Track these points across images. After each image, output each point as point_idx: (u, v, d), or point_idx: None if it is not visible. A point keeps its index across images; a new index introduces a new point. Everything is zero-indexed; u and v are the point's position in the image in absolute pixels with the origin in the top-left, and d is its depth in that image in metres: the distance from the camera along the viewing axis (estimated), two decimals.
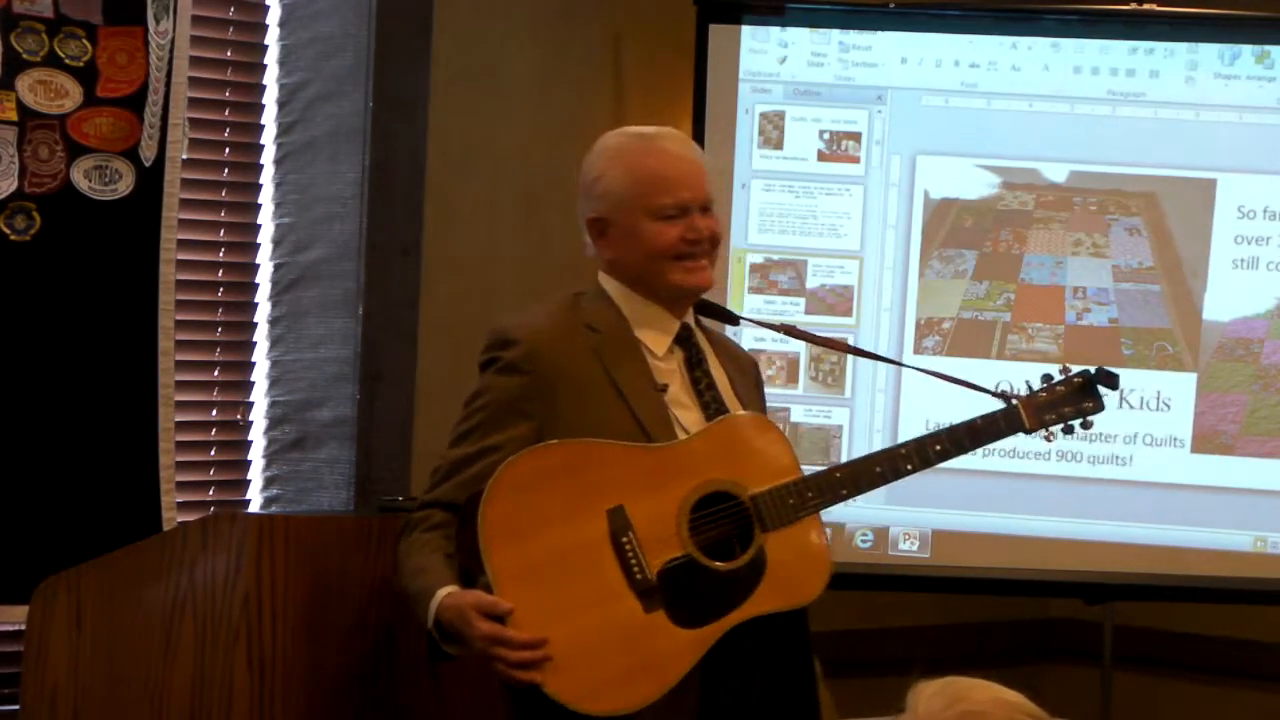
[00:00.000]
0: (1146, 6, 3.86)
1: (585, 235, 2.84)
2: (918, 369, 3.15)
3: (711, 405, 2.79)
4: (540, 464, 2.67)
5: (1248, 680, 4.27)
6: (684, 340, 2.83)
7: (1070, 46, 3.82)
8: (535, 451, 2.69)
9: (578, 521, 2.65)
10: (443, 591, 2.64)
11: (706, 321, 2.95)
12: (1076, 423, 2.95)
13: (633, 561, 2.63)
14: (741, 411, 2.81)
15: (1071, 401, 2.93)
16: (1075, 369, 2.97)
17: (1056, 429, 2.94)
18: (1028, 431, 2.92)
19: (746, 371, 2.95)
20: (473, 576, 2.67)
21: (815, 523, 2.76)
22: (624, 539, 2.64)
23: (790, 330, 3.07)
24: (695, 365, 2.82)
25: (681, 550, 2.66)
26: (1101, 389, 2.95)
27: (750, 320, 3.10)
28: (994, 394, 2.95)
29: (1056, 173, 3.83)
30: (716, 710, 2.69)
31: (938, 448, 2.84)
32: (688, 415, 2.78)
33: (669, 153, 2.80)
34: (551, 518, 2.65)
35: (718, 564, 2.67)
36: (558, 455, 2.68)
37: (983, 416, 2.89)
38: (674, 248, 2.77)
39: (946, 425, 2.89)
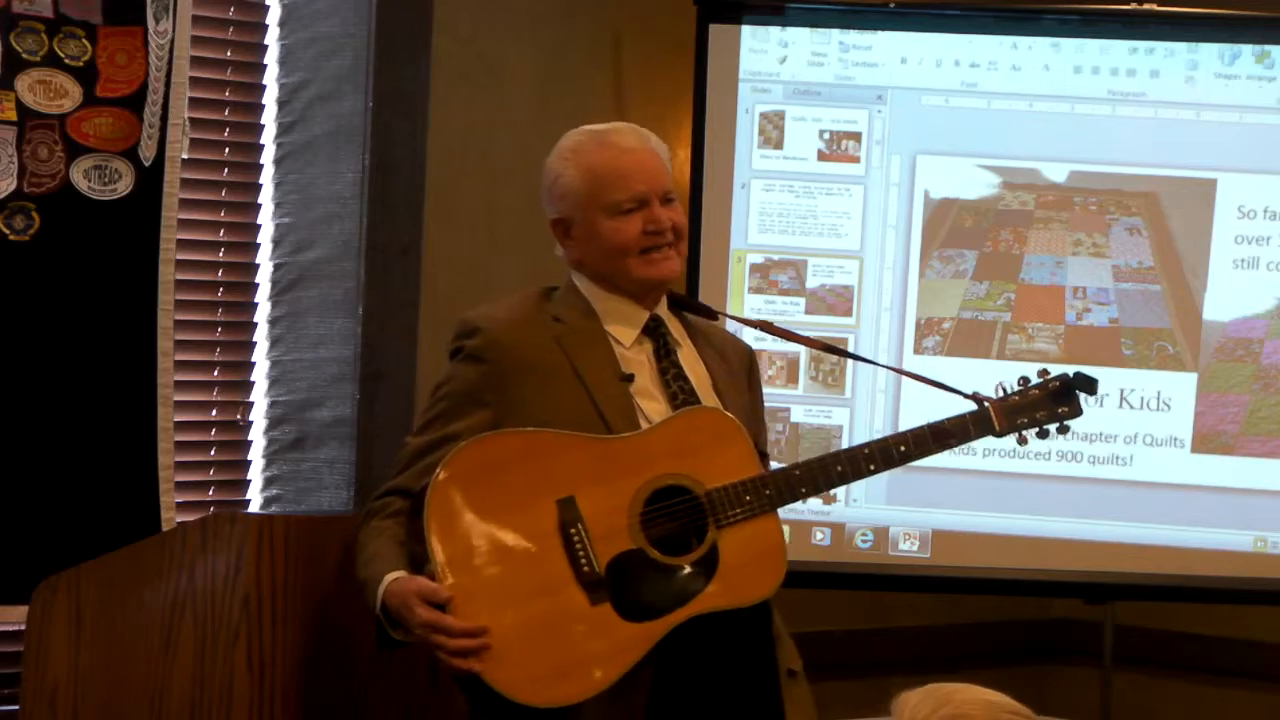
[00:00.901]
0: (1146, 6, 3.85)
1: (553, 237, 2.85)
2: (891, 368, 3.10)
3: (679, 396, 2.78)
4: (490, 452, 2.67)
5: (1248, 680, 4.27)
6: (652, 331, 2.83)
7: (1070, 46, 3.82)
8: (485, 439, 2.68)
9: (527, 511, 2.64)
10: (389, 577, 2.65)
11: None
12: (1052, 427, 2.93)
13: (580, 553, 2.62)
14: (704, 405, 2.79)
15: (1046, 405, 2.91)
16: (1055, 372, 2.95)
17: (1031, 432, 2.91)
18: (998, 434, 2.90)
19: (733, 362, 2.92)
20: (422, 563, 2.66)
21: (772, 520, 2.73)
22: (572, 530, 2.63)
23: (768, 326, 3.06)
24: (664, 356, 2.81)
25: (632, 543, 2.65)
26: (1080, 394, 2.93)
27: (727, 316, 3.08)
28: (965, 395, 2.93)
29: (1057, 172, 3.83)
30: (666, 708, 2.67)
31: (902, 448, 2.81)
32: (654, 406, 2.77)
33: (621, 146, 2.81)
34: (500, 506, 2.64)
35: (668, 558, 2.65)
36: (509, 443, 2.68)
37: (951, 418, 2.87)
38: (636, 242, 2.77)
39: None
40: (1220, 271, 3.80)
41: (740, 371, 2.93)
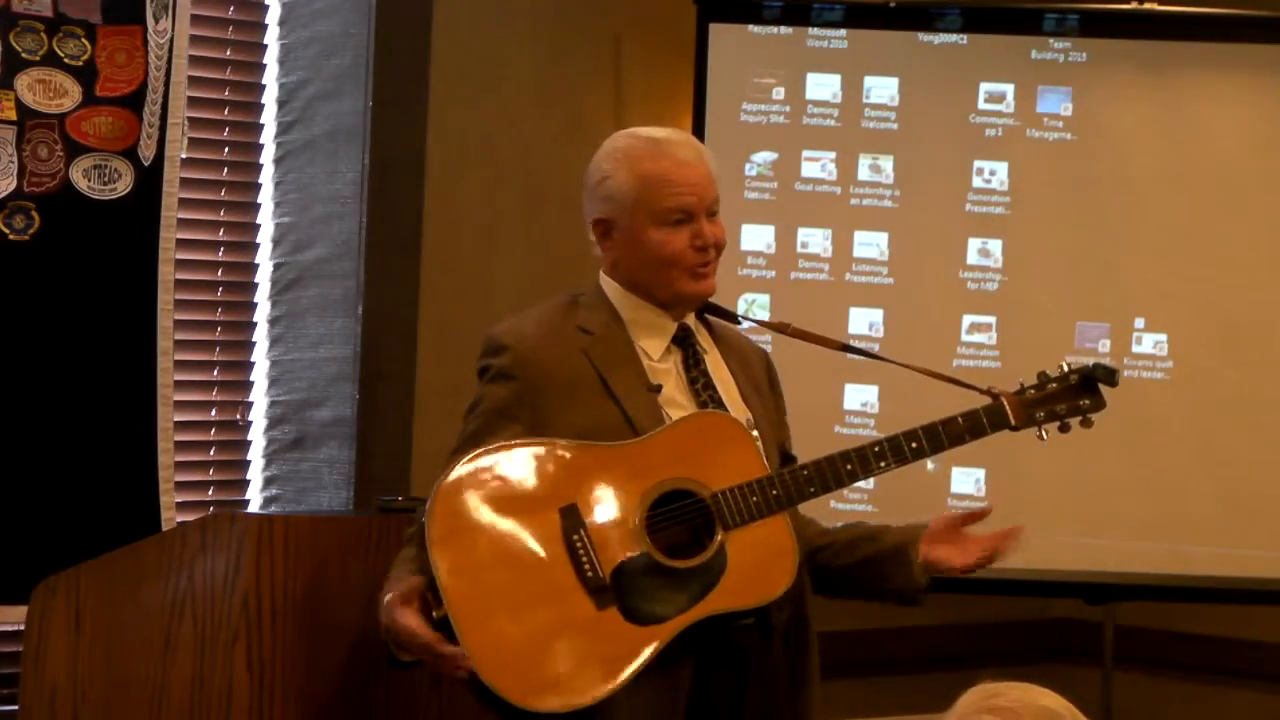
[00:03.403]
0: (1147, 6, 3.85)
1: (590, 235, 2.83)
2: (911, 367, 3.03)
3: (709, 405, 2.77)
4: (492, 461, 2.66)
5: (1248, 680, 4.27)
6: (681, 341, 2.82)
7: None
8: (486, 450, 2.67)
9: (530, 519, 2.64)
10: (385, 598, 2.64)
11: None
12: (1074, 420, 2.83)
13: (584, 560, 2.62)
14: (710, 410, 2.77)
15: (1067, 398, 2.81)
16: (1074, 365, 2.85)
17: (1051, 426, 2.81)
18: (1013, 428, 2.79)
19: (754, 367, 2.91)
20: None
21: (781, 521, 2.71)
22: (575, 538, 2.63)
23: (788, 329, 3.05)
24: (693, 365, 2.81)
25: (638, 548, 2.64)
26: (1102, 386, 2.87)
27: (749, 320, 3.07)
28: (979, 390, 2.84)
29: None
30: (707, 706, 2.67)
31: (913, 445, 2.76)
32: (682, 415, 2.75)
33: (675, 157, 2.77)
34: (503, 515, 2.64)
35: (674, 561, 2.65)
36: (509, 453, 2.67)
37: (965, 413, 2.78)
38: (680, 255, 2.75)
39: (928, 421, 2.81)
40: None
41: (761, 375, 2.92)
